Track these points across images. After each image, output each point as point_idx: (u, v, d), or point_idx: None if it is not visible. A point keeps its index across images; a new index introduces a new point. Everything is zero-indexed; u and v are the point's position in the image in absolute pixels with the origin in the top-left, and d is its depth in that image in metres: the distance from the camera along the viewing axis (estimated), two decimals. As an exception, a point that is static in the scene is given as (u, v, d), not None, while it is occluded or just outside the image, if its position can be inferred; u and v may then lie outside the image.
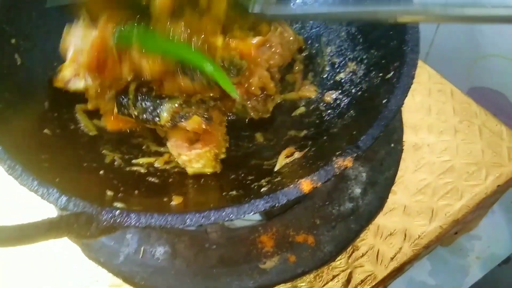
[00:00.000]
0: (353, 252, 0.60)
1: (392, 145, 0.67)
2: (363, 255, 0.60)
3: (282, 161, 0.51)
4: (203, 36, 0.50)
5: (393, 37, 0.51)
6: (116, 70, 0.51)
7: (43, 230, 0.34)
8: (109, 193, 0.46)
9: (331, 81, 0.61)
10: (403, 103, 0.46)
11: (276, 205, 0.40)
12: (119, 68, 0.51)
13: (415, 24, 0.50)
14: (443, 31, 1.02)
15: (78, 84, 0.54)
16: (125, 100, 0.53)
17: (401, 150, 0.68)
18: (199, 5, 0.49)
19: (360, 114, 0.52)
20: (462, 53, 1.01)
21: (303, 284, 0.58)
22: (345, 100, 0.57)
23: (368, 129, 0.44)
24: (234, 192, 0.47)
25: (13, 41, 0.54)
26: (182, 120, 0.51)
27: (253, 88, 0.58)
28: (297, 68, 0.66)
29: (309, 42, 0.67)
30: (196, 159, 0.51)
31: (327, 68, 0.62)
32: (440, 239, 0.64)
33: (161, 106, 0.51)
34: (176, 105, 0.51)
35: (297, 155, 0.51)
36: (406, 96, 0.46)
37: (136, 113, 0.52)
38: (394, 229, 0.62)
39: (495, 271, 1.06)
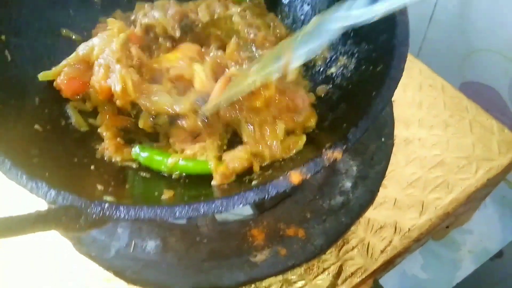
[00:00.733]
0: (343, 245, 0.61)
1: (383, 139, 0.68)
2: (353, 248, 0.61)
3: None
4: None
5: (384, 30, 0.51)
6: None
7: (30, 222, 0.34)
8: (100, 187, 0.46)
9: (323, 75, 0.61)
10: (392, 95, 0.46)
11: (266, 196, 0.40)
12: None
13: (405, 18, 0.50)
14: (435, 26, 1.02)
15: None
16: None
17: (392, 144, 0.68)
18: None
19: (350, 107, 0.52)
20: (454, 48, 1.02)
21: (294, 277, 0.58)
22: (336, 94, 0.58)
23: (357, 122, 0.44)
24: (225, 186, 0.48)
25: (3, 37, 0.54)
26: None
27: None
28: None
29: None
30: (200, 151, 0.51)
31: (319, 63, 0.62)
32: (430, 232, 0.64)
33: None
34: None
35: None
36: (395, 88, 0.46)
37: None
38: (384, 222, 0.63)
39: (487, 265, 1.06)
